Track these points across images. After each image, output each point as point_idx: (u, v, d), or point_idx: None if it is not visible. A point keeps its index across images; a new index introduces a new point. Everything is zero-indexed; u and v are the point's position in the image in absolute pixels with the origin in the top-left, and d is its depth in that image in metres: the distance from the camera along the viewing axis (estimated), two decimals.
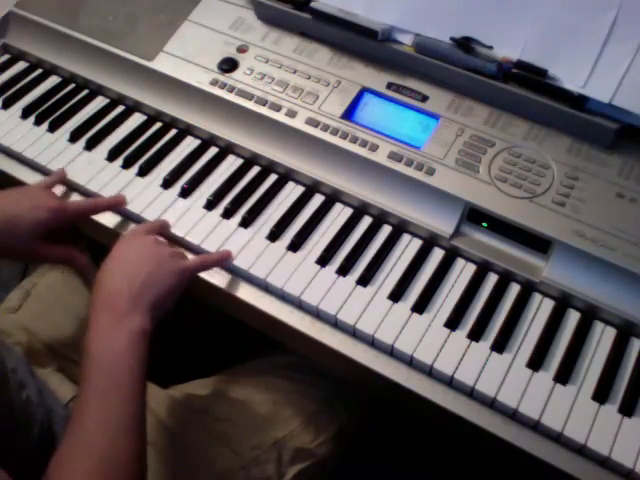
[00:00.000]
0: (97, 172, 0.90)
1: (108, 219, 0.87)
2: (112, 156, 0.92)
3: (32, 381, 0.72)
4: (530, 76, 0.82)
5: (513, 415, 0.69)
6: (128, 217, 0.87)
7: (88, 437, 0.59)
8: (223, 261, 0.80)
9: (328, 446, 0.86)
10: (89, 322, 0.66)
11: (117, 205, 0.86)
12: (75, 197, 0.90)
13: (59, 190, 0.89)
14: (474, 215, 0.81)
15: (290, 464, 0.84)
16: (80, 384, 0.63)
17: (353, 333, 0.75)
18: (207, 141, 0.94)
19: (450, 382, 0.71)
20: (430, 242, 0.82)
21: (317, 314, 0.77)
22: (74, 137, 0.94)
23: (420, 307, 0.76)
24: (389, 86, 0.89)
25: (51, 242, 0.81)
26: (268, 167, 0.91)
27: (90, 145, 0.93)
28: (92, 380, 0.62)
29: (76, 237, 0.86)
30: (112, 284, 0.68)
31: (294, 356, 0.90)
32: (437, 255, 0.81)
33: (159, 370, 0.95)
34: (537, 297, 0.77)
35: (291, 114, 0.89)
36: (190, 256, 0.80)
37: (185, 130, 0.96)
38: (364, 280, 0.78)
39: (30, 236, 0.78)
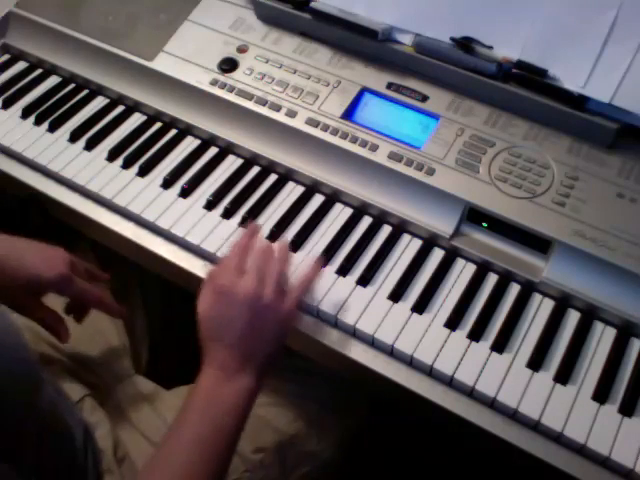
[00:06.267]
0: (97, 172, 0.90)
1: (107, 219, 0.87)
2: (112, 156, 0.92)
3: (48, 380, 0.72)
4: (530, 76, 0.82)
5: (513, 415, 0.69)
6: (128, 217, 0.87)
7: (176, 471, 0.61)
8: (318, 273, 0.74)
9: (331, 449, 0.86)
10: (202, 369, 0.66)
11: (117, 315, 0.86)
12: (75, 197, 0.89)
13: None
14: (474, 215, 0.81)
15: (294, 467, 0.84)
16: (179, 425, 0.64)
17: (353, 333, 0.75)
18: (207, 141, 0.94)
19: (450, 382, 0.71)
20: (430, 242, 0.82)
21: (317, 314, 0.77)
22: (74, 137, 0.94)
23: (420, 307, 0.76)
24: (389, 86, 0.89)
25: (41, 304, 0.79)
26: (268, 167, 0.91)
27: (90, 145, 0.93)
28: (193, 425, 0.63)
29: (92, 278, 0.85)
30: (221, 342, 0.66)
31: (297, 359, 0.90)
32: (437, 255, 0.81)
33: (163, 372, 0.96)
34: (537, 297, 0.77)
35: (291, 114, 0.89)
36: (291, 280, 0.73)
37: (185, 130, 0.96)
38: (364, 280, 0.78)
39: (25, 287, 0.76)
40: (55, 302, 0.82)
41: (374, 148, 0.85)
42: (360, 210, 0.86)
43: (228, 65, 0.94)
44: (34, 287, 0.77)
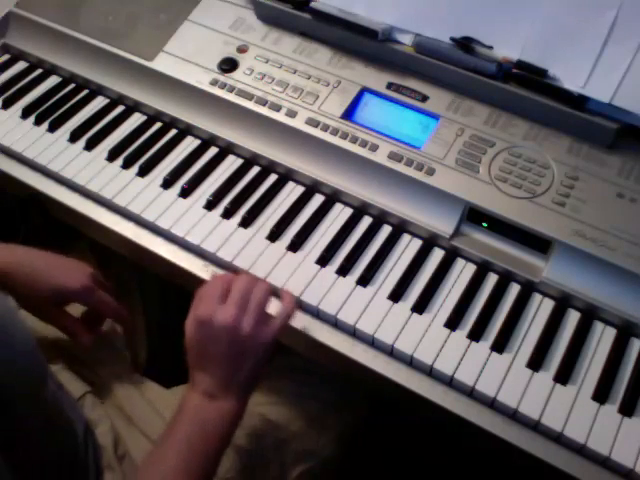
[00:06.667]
0: (97, 172, 0.90)
1: (107, 219, 0.87)
2: (112, 156, 0.92)
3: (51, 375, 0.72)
4: (530, 76, 0.82)
5: (513, 415, 0.69)
6: (128, 217, 0.87)
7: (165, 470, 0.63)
8: (295, 304, 0.74)
9: (331, 447, 0.87)
10: (187, 393, 0.68)
11: (128, 325, 0.89)
12: (75, 197, 0.89)
13: None
14: (474, 215, 0.81)
15: (293, 465, 0.84)
16: (162, 449, 0.65)
17: (353, 333, 0.75)
18: (207, 141, 0.94)
19: (450, 382, 0.71)
20: (430, 242, 0.82)
21: (317, 314, 0.77)
22: (74, 137, 0.94)
23: (420, 307, 0.76)
24: (389, 86, 0.89)
25: (64, 312, 0.82)
26: (268, 167, 0.91)
27: (90, 145, 0.93)
28: (178, 448, 0.65)
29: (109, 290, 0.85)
30: (203, 369, 0.68)
31: (296, 358, 0.90)
32: (437, 255, 0.81)
33: (162, 371, 0.96)
34: (537, 297, 0.77)
35: (291, 114, 0.89)
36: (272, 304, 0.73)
37: (185, 130, 0.96)
38: (364, 280, 0.78)
39: (48, 297, 0.78)
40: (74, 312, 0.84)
41: (374, 148, 0.85)
42: (360, 210, 0.86)
43: (228, 65, 0.94)
44: (57, 297, 0.79)
